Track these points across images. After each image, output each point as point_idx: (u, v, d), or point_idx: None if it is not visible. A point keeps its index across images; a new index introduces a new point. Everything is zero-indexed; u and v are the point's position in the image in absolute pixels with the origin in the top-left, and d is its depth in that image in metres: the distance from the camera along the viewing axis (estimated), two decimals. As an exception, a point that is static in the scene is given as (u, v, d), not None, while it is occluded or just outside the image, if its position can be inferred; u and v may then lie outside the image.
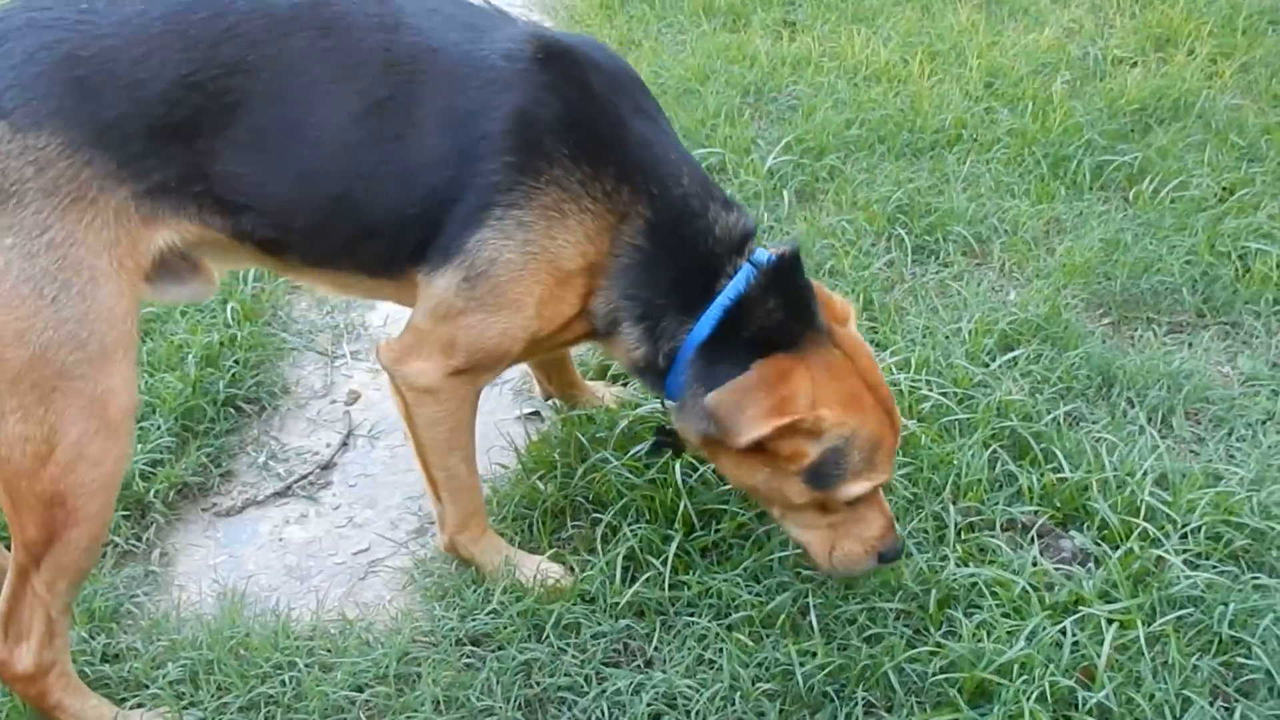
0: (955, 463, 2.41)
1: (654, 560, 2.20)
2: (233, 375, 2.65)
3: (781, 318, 1.91)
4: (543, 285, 1.87)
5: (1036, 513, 2.37)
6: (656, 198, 1.89)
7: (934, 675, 2.02)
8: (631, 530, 2.25)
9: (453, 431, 2.05)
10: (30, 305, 1.60)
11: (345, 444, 2.62)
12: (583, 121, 1.85)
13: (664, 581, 2.17)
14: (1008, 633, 2.06)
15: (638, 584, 2.16)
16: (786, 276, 1.93)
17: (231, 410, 2.64)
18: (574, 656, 2.07)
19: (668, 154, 1.94)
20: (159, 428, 2.46)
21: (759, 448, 1.86)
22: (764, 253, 1.96)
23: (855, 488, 1.92)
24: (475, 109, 1.80)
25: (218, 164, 1.74)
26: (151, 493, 2.37)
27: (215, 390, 2.61)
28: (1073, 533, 2.35)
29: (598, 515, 2.32)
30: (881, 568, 2.08)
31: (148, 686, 1.99)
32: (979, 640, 2.05)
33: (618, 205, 1.87)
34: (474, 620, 2.13)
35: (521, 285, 1.85)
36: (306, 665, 2.02)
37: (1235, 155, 3.67)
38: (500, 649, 2.08)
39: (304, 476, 2.52)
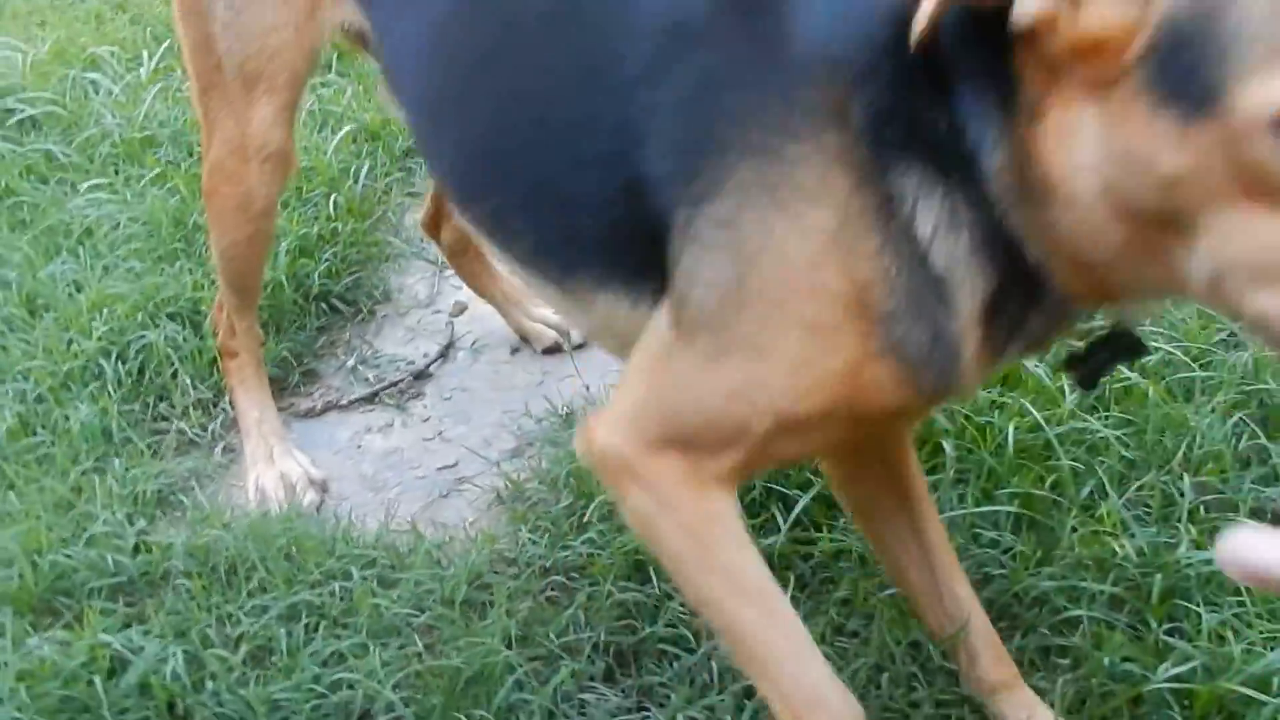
0: (1190, 427, 1.89)
1: (781, 510, 1.77)
2: (328, 269, 2.38)
3: None
4: (781, 301, 1.07)
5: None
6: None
7: (1157, 682, 1.51)
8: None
9: (698, 541, 1.18)
10: None
11: (444, 355, 2.31)
12: None
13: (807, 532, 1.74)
14: (1263, 637, 1.53)
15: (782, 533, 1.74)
16: None
17: (324, 307, 2.37)
18: (682, 605, 1.66)
19: None
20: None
21: None
22: None
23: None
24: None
25: None
26: (223, 381, 2.10)
27: (309, 283, 2.34)
28: (1345, 530, 1.80)
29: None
30: None
31: (173, 578, 1.70)
32: (1222, 644, 1.54)
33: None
34: (565, 550, 1.75)
35: (746, 314, 1.08)
36: (363, 577, 1.69)
37: None
38: (594, 584, 1.69)
39: (394, 384, 2.22)
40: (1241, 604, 1.59)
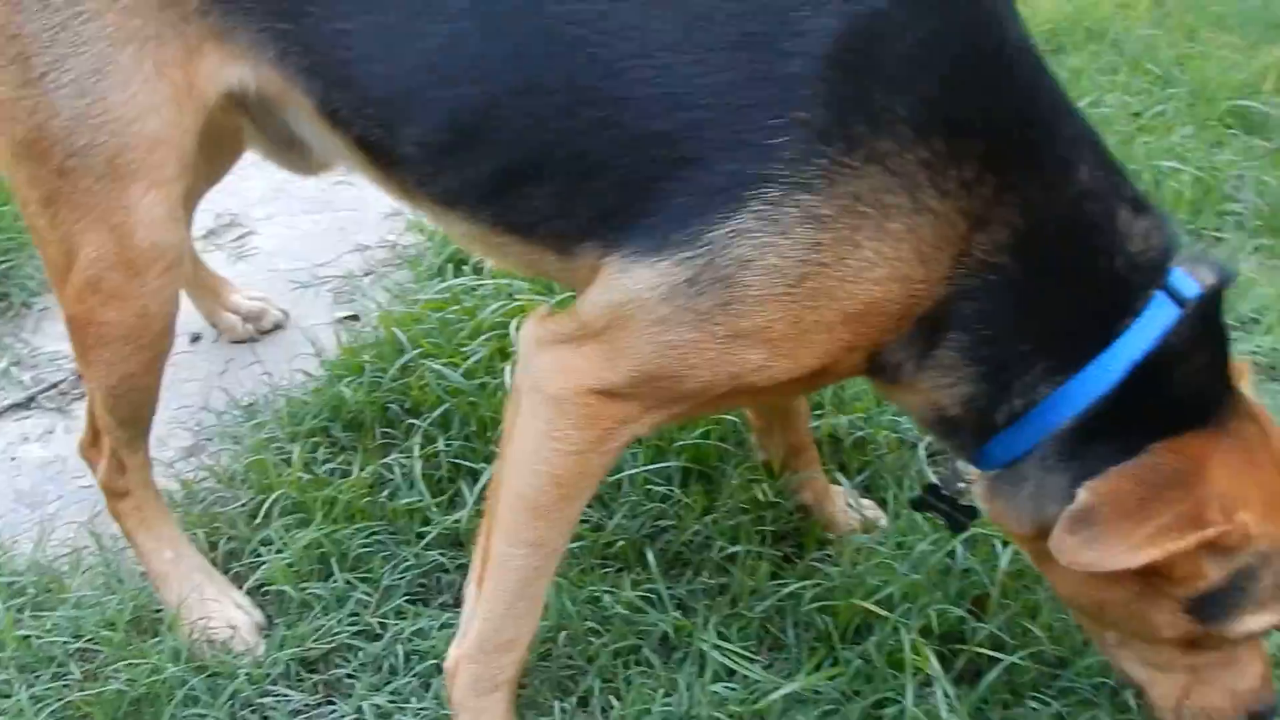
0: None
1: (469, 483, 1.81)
2: (-32, 260, 2.17)
3: (1203, 381, 1.31)
4: (817, 319, 1.23)
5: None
6: (1035, 199, 1.25)
7: (806, 606, 1.68)
8: (448, 443, 1.86)
9: (556, 483, 1.33)
10: (11, 70, 1.29)
11: (114, 350, 2.16)
12: (943, 62, 1.22)
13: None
14: (889, 560, 1.73)
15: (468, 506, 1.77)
16: (1213, 318, 1.32)
17: (-36, 304, 2.16)
18: (367, 593, 1.68)
19: (1060, 125, 1.29)
20: None
21: None
22: (1185, 280, 1.29)
23: (1257, 621, 1.31)
24: (770, 22, 1.20)
25: None
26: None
27: (-58, 277, 2.13)
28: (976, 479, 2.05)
29: (414, 423, 1.91)
30: None
31: None
32: (857, 565, 1.73)
33: (975, 205, 1.23)
34: (244, 558, 1.71)
35: (778, 310, 1.22)
36: (11, 608, 1.58)
37: (1149, 81, 3.47)
38: (274, 585, 1.67)
39: (55, 385, 2.07)
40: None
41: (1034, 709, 1.57)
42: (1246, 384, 1.40)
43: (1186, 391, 1.29)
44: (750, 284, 1.21)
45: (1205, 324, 1.30)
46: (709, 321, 1.23)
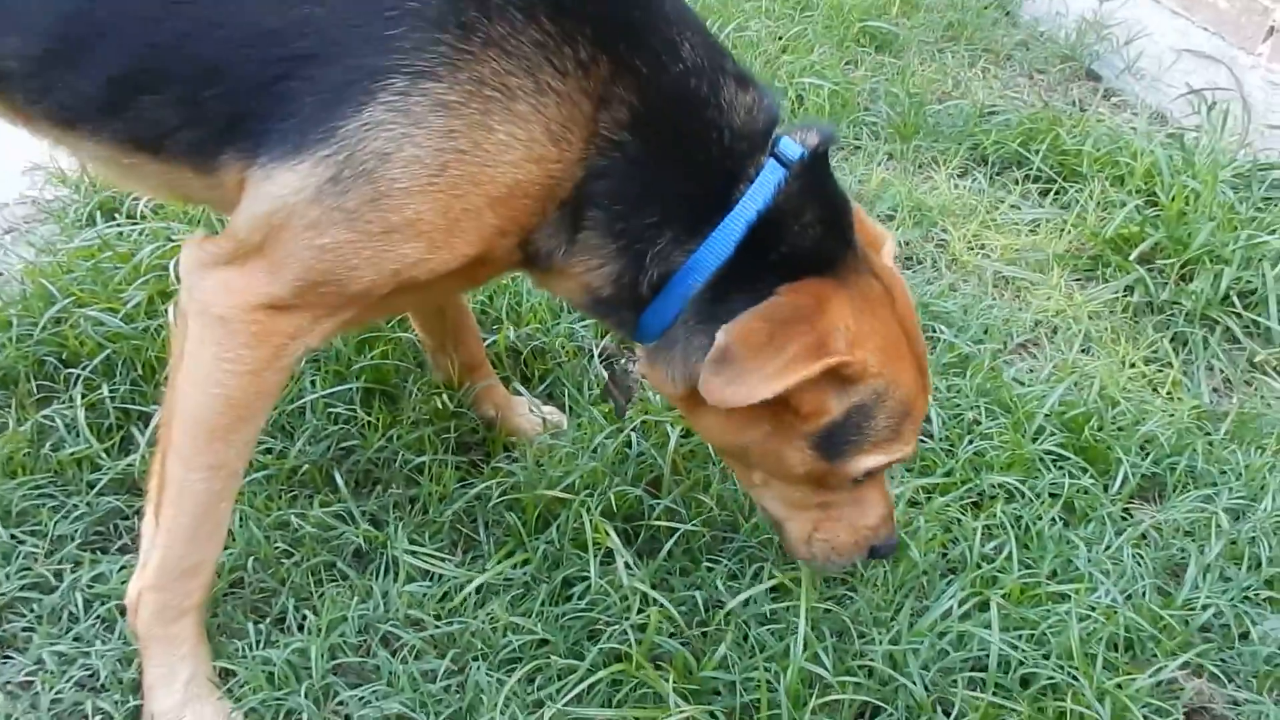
0: (514, 290, 2.18)
1: (140, 428, 1.78)
2: None
3: (818, 234, 1.42)
4: (465, 206, 1.27)
5: (604, 337, 2.21)
6: (647, 77, 1.33)
7: (494, 503, 1.79)
8: (113, 389, 1.80)
9: (231, 405, 1.33)
10: None
11: None
12: None
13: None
14: (572, 453, 1.88)
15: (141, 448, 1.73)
16: (820, 176, 1.44)
17: None
18: (35, 548, 1.61)
19: (658, 5, 1.37)
20: None
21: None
22: (790, 144, 1.41)
23: (872, 460, 1.46)
24: None
25: None
26: None
27: None
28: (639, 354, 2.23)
29: (73, 372, 1.83)
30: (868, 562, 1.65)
31: None
32: (540, 463, 1.86)
33: (594, 85, 1.30)
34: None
35: (426, 200, 1.25)
36: None
37: (789, 6, 3.79)
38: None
39: None
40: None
41: (710, 569, 1.73)
42: (886, 254, 1.57)
43: (804, 243, 1.41)
44: (394, 177, 1.23)
45: (812, 182, 1.41)
46: (360, 220, 1.25)
